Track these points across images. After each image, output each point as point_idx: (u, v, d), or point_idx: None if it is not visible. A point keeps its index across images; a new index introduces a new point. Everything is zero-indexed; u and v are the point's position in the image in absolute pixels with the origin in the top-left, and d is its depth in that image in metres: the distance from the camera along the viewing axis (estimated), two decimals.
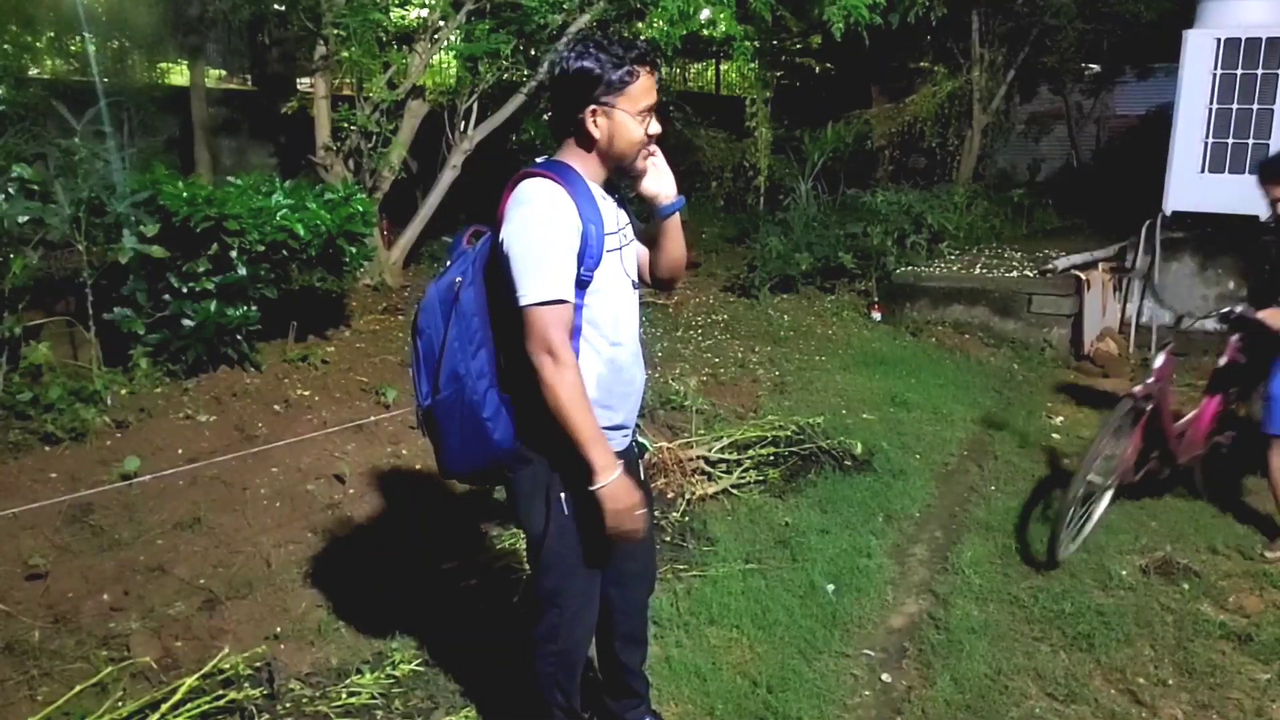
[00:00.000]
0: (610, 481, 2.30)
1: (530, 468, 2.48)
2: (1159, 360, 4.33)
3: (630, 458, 2.65)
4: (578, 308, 2.35)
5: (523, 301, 2.25)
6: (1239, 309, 4.28)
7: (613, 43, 2.33)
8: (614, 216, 2.45)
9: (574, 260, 2.30)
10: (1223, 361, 4.55)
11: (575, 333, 2.37)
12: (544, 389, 2.27)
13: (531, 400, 2.35)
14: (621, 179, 2.49)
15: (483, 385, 2.39)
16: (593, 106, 2.31)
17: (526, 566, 3.85)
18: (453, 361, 2.39)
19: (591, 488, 2.30)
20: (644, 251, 2.64)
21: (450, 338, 2.39)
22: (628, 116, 2.32)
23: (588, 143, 2.36)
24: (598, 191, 2.39)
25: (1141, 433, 4.28)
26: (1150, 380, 4.23)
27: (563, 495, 2.47)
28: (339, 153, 7.61)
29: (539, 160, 2.42)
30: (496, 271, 2.34)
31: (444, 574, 3.91)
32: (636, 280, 2.57)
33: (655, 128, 2.38)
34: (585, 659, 2.73)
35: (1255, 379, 4.57)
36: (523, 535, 4.13)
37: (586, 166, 2.38)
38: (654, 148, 2.45)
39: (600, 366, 2.44)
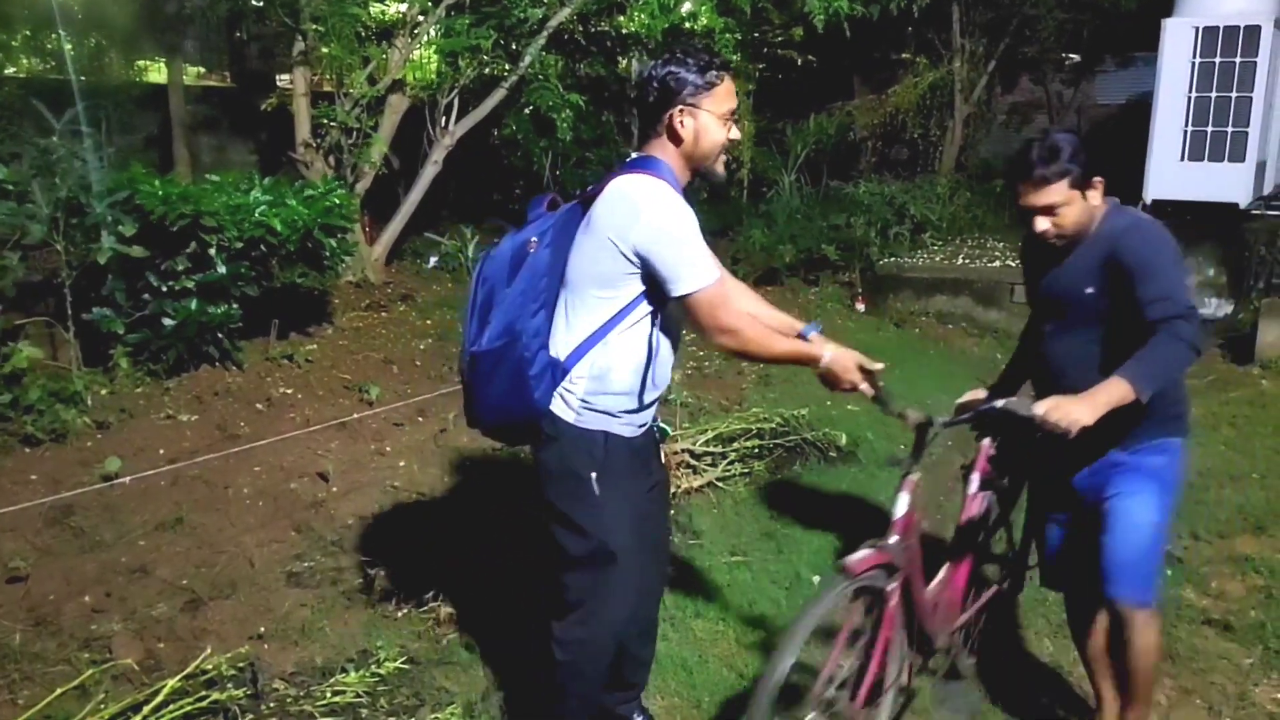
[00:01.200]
0: (828, 359, 2.52)
1: (557, 446, 2.54)
2: (901, 503, 2.63)
3: (650, 442, 2.71)
4: (666, 298, 2.47)
5: (686, 289, 2.41)
6: (1001, 402, 2.60)
7: (697, 51, 2.50)
8: None
9: None
10: (974, 486, 3.08)
11: (655, 320, 2.51)
12: (742, 357, 2.56)
13: (567, 370, 2.50)
14: (704, 181, 2.60)
15: (536, 344, 2.49)
16: (680, 107, 2.44)
17: (518, 560, 3.86)
18: (512, 315, 2.49)
19: (820, 370, 2.53)
20: None
21: (515, 291, 2.50)
22: (712, 118, 2.46)
23: (675, 142, 2.48)
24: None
25: (887, 639, 2.61)
26: (893, 539, 2.59)
27: (593, 475, 2.51)
28: (319, 149, 7.56)
29: (633, 156, 2.54)
30: (580, 244, 2.48)
31: (429, 570, 3.89)
32: None
33: (735, 133, 2.52)
34: (612, 652, 2.70)
35: (1017, 484, 3.19)
36: (518, 530, 4.14)
37: (675, 168, 2.50)
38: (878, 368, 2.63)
39: (664, 357, 2.58)
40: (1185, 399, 2.80)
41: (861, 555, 2.51)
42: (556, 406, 2.53)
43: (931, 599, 2.90)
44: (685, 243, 2.40)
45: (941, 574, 3.03)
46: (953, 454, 4.70)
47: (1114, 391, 2.41)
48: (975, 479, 3.09)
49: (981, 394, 3.04)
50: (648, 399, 2.58)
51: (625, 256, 2.40)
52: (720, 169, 2.55)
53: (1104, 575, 2.70)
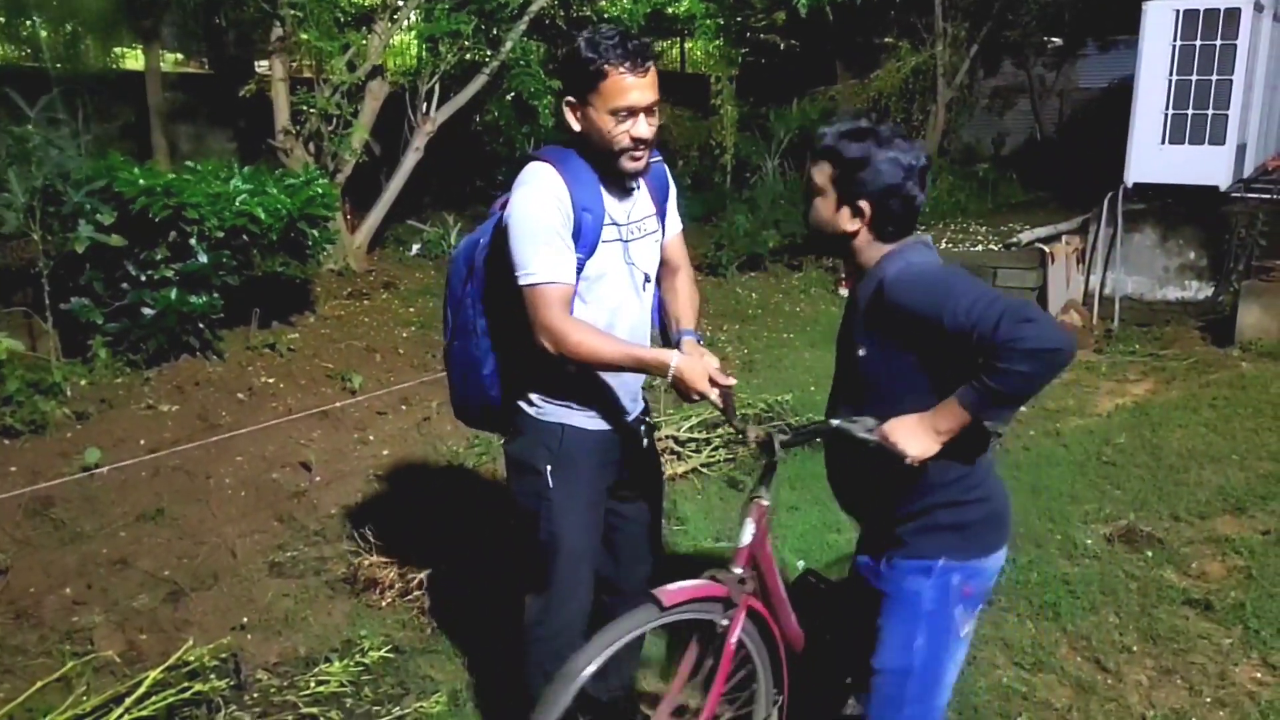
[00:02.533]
0: (675, 368, 2.27)
1: (521, 439, 2.54)
2: (747, 531, 2.37)
3: (626, 438, 2.61)
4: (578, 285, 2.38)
5: (520, 282, 2.31)
6: (836, 421, 2.18)
7: (606, 36, 2.26)
8: (624, 208, 2.45)
9: (569, 242, 2.33)
10: None
11: (584, 307, 2.43)
12: (564, 361, 2.32)
13: (518, 366, 2.47)
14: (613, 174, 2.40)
15: (486, 343, 2.51)
16: (569, 98, 2.34)
17: (501, 549, 3.85)
18: (465, 315, 2.52)
19: (669, 380, 2.29)
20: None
21: (466, 292, 2.51)
22: (599, 115, 2.29)
23: (571, 133, 2.37)
24: (605, 180, 2.39)
25: (724, 679, 2.34)
26: (734, 570, 2.34)
27: (548, 468, 2.50)
28: (299, 136, 7.50)
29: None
30: (502, 246, 2.40)
31: (413, 559, 3.88)
32: (649, 277, 2.56)
33: (641, 130, 2.30)
34: (576, 649, 2.67)
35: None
36: (501, 519, 4.13)
37: (587, 158, 2.39)
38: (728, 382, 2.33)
39: None
40: (982, 508, 2.19)
41: (677, 587, 2.27)
42: (520, 400, 2.52)
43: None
44: (524, 234, 2.29)
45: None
46: None
47: (951, 414, 1.99)
48: None
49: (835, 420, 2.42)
50: (605, 389, 2.52)
51: None
52: (629, 165, 2.33)
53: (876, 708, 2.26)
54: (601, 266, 2.41)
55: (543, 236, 2.29)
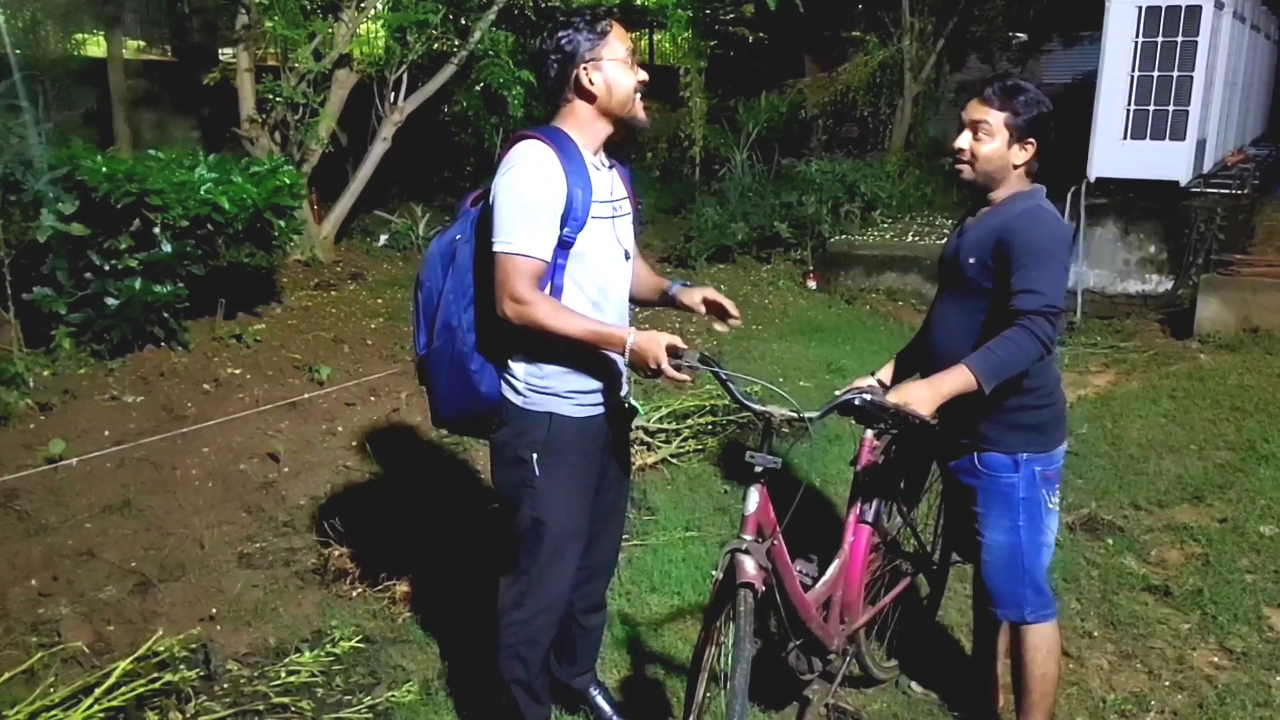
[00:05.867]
0: (631, 345, 2.35)
1: (507, 428, 2.56)
2: (751, 499, 2.50)
3: (612, 424, 2.67)
4: (559, 268, 2.45)
5: (495, 248, 2.38)
6: (861, 396, 2.46)
7: (579, 10, 2.52)
8: (607, 185, 2.55)
9: (555, 221, 2.42)
10: (859, 467, 2.93)
11: (556, 293, 2.48)
12: (525, 329, 2.39)
13: (504, 357, 2.51)
14: (630, 134, 2.59)
15: (472, 339, 2.52)
16: (584, 64, 2.45)
17: (471, 538, 3.86)
18: (447, 313, 2.53)
19: (625, 359, 2.40)
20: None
21: (446, 290, 2.53)
22: (615, 65, 2.47)
23: (590, 99, 2.48)
24: (590, 159, 2.50)
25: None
26: (748, 537, 2.47)
27: (534, 457, 2.52)
28: (265, 125, 7.43)
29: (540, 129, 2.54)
30: (487, 230, 2.45)
31: (383, 549, 3.88)
32: (630, 252, 2.66)
33: (642, 75, 2.52)
34: (552, 635, 2.70)
35: (916, 482, 3.21)
36: (471, 509, 4.14)
37: (585, 130, 2.50)
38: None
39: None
40: (1053, 410, 2.66)
41: (754, 571, 2.40)
42: (506, 392, 2.55)
43: (817, 598, 2.75)
44: (510, 205, 2.38)
45: (830, 572, 2.83)
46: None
47: (957, 379, 2.40)
48: (860, 465, 2.93)
49: (868, 380, 2.87)
50: (593, 376, 2.55)
51: None
52: (641, 114, 2.54)
53: (986, 593, 2.77)
54: (593, 241, 2.49)
55: (530, 211, 2.37)
